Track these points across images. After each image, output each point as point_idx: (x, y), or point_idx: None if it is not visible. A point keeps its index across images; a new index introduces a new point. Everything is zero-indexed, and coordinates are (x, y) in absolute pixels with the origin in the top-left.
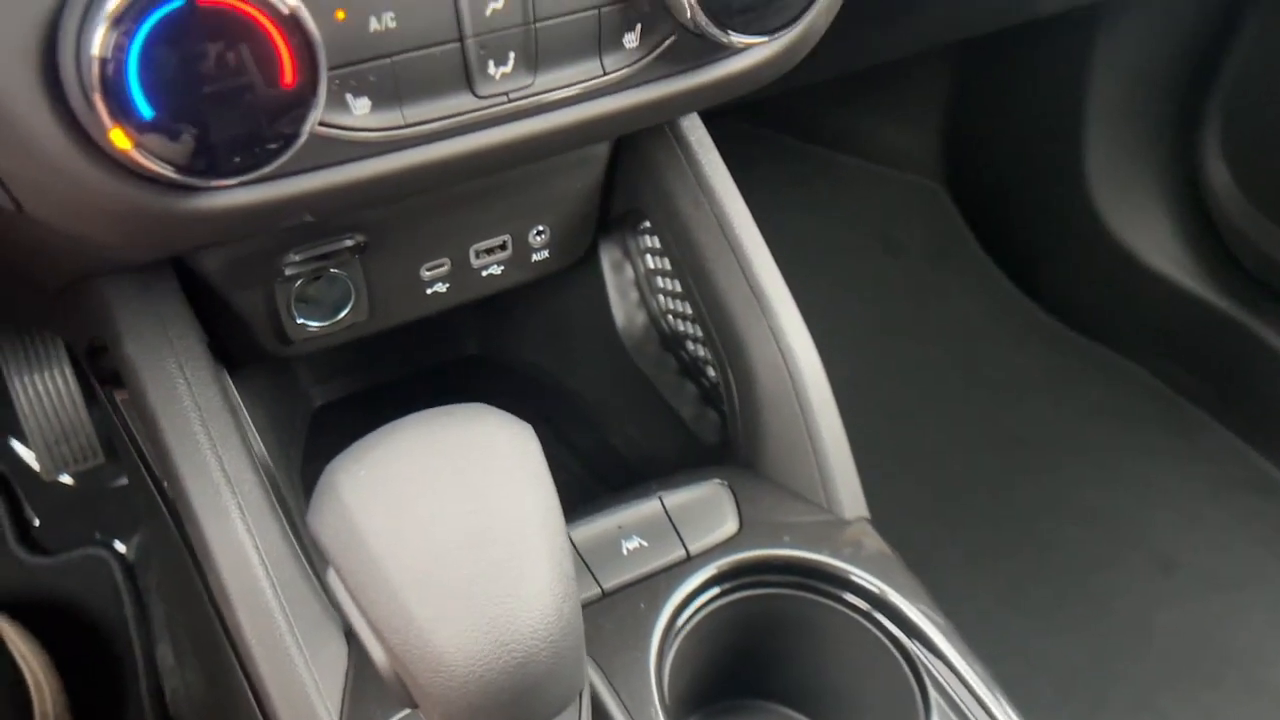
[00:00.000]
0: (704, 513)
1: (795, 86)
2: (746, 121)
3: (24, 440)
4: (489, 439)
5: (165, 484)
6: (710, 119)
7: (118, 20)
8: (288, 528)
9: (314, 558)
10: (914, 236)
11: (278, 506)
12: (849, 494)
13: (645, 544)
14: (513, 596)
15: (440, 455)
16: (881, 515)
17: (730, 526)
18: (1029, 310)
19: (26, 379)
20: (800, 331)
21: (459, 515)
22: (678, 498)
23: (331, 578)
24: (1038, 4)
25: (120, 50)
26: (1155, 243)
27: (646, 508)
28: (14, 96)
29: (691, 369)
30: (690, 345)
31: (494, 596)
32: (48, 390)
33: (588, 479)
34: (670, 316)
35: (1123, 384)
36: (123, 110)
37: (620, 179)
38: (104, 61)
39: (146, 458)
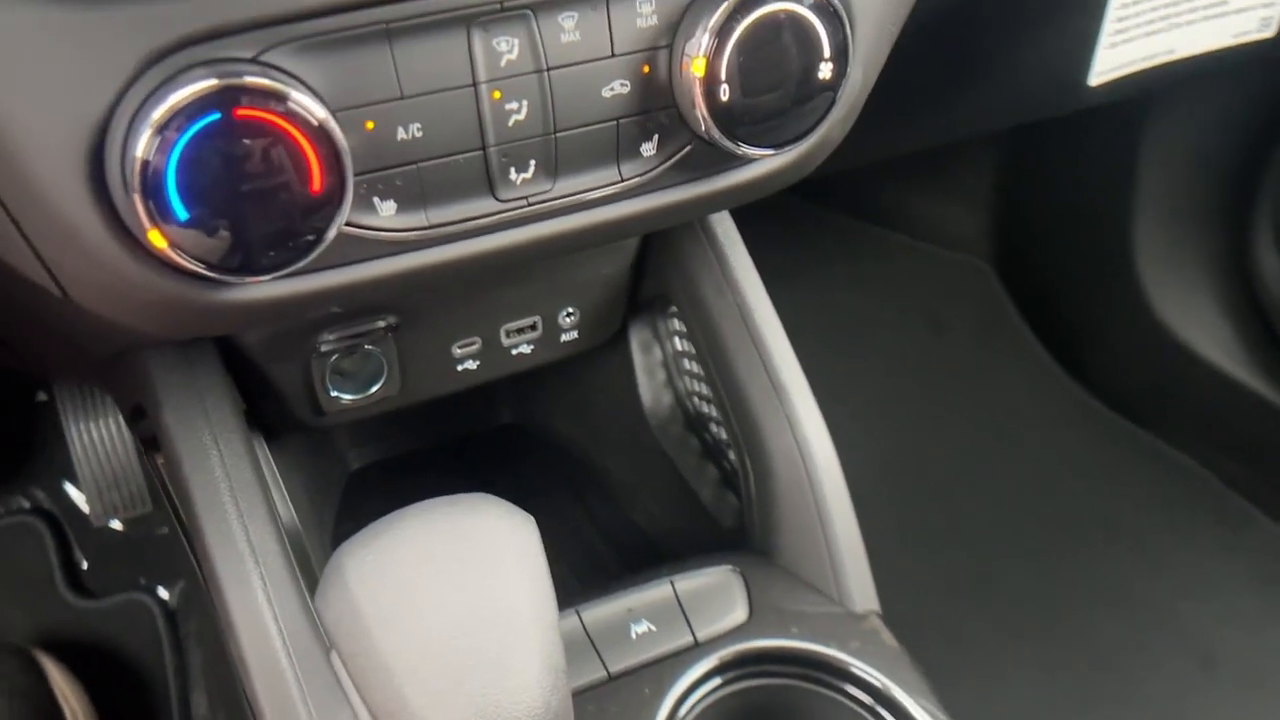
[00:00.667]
0: (714, 599)
1: (844, 169)
2: (795, 195)
3: (77, 484)
4: (490, 530)
5: (194, 549)
6: None
7: (161, 128)
8: (309, 599)
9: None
10: (961, 315)
11: (300, 579)
12: (860, 587)
13: (654, 629)
14: (502, 689)
15: (443, 545)
16: (916, 591)
17: (739, 614)
18: (1075, 393)
19: (82, 426)
20: (816, 423)
21: (457, 605)
22: (689, 583)
23: (335, 660)
24: (1084, 95)
25: (161, 155)
26: (1204, 330)
27: (657, 592)
28: (63, 194)
29: (713, 451)
30: (713, 428)
31: (485, 687)
32: (101, 439)
33: (609, 554)
34: (695, 398)
35: (1168, 471)
36: (161, 212)
37: (650, 265)
38: (146, 164)
39: (181, 519)
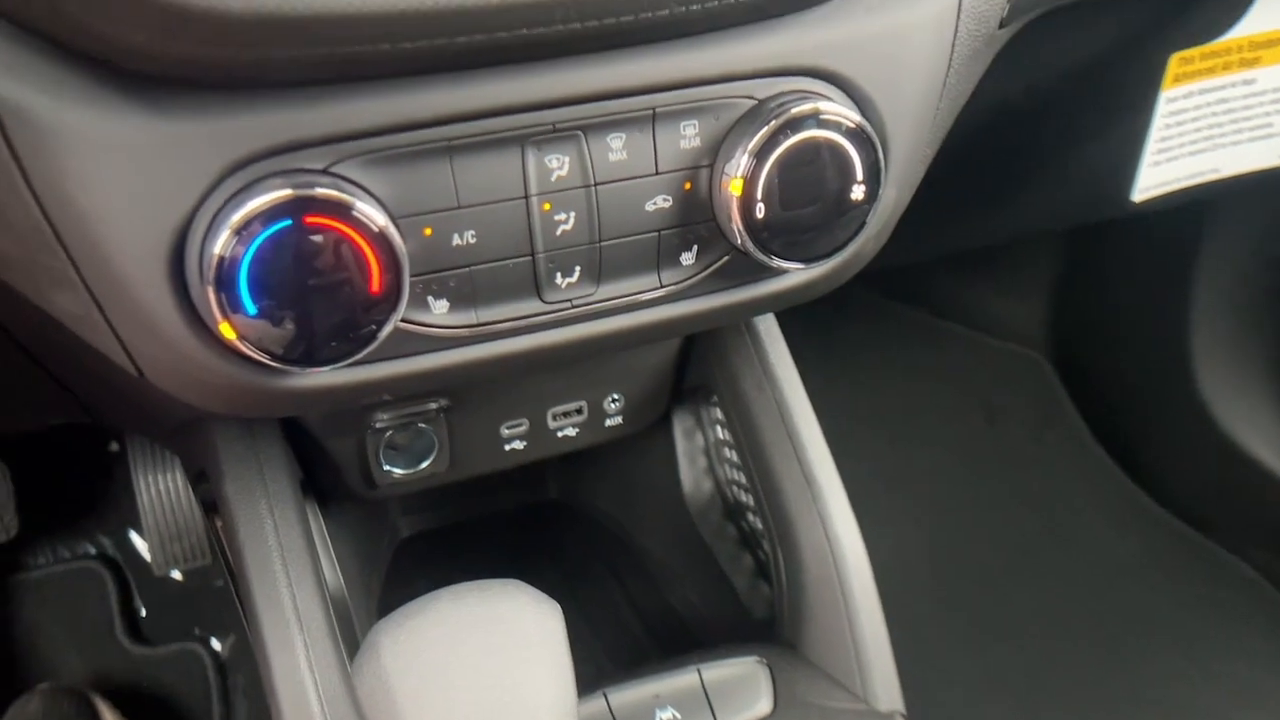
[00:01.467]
0: (739, 689)
1: (896, 264)
2: (852, 283)
3: (142, 534)
4: (518, 618)
5: (244, 610)
6: None
7: (239, 230)
8: (349, 668)
9: None
10: (1015, 407)
11: (341, 647)
12: (885, 686)
13: (678, 716)
14: None
15: (472, 629)
16: (956, 687)
17: (763, 706)
18: (1130, 491)
19: (150, 479)
20: (847, 520)
21: (481, 689)
22: (716, 672)
23: None
24: (1130, 206)
25: (236, 254)
26: (1262, 433)
27: (684, 679)
28: (146, 286)
29: (749, 540)
30: (749, 517)
31: None
32: (167, 492)
33: (642, 634)
34: (734, 487)
35: (1223, 577)
36: (232, 305)
37: (694, 355)
38: (221, 262)
39: (235, 579)
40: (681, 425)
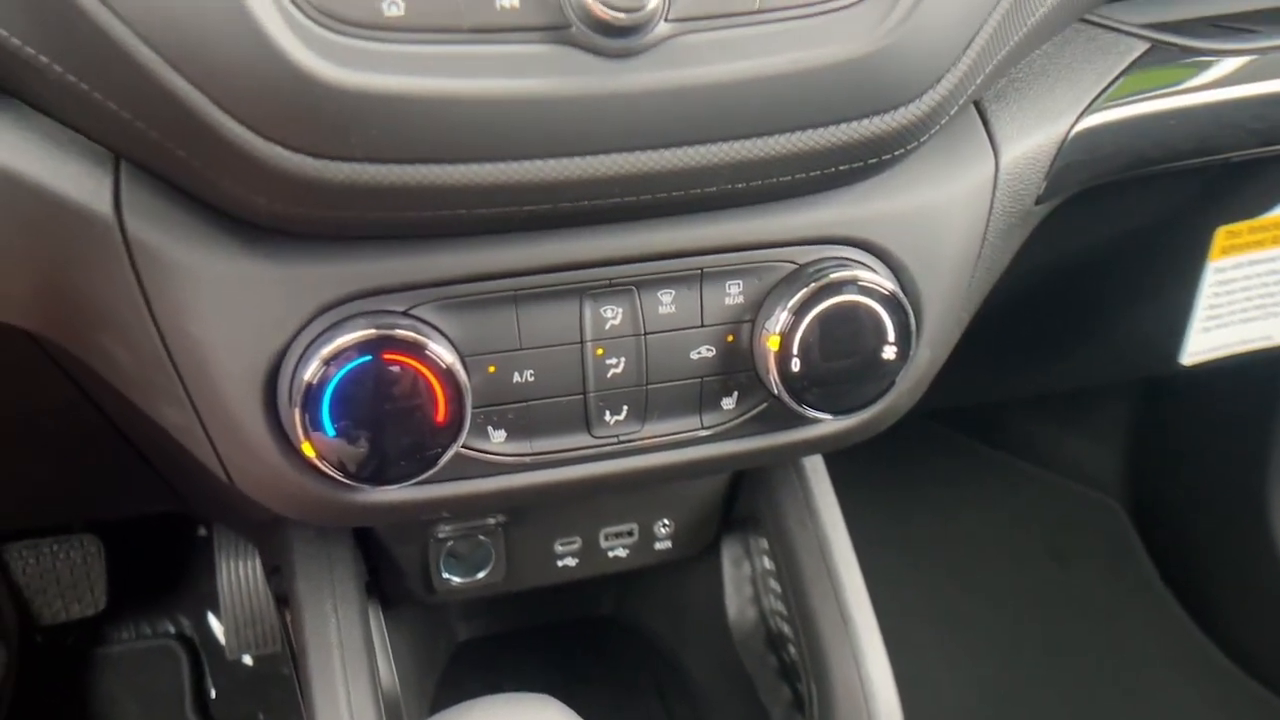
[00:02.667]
0: None
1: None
2: (929, 418)
3: (219, 617)
4: None
5: (304, 701)
6: None
7: (327, 361)
8: None
9: None
10: (1085, 552)
11: None
12: None
13: None
14: None
15: None
16: None
17: None
18: (1203, 647)
19: (232, 565)
20: (881, 661)
21: None
22: None
23: None
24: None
25: (322, 382)
26: None
27: None
28: (242, 406)
29: (789, 673)
30: (791, 649)
31: None
32: (246, 579)
33: None
34: (777, 618)
35: None
36: (315, 425)
37: (742, 487)
38: (309, 388)
39: (297, 671)
40: (730, 553)
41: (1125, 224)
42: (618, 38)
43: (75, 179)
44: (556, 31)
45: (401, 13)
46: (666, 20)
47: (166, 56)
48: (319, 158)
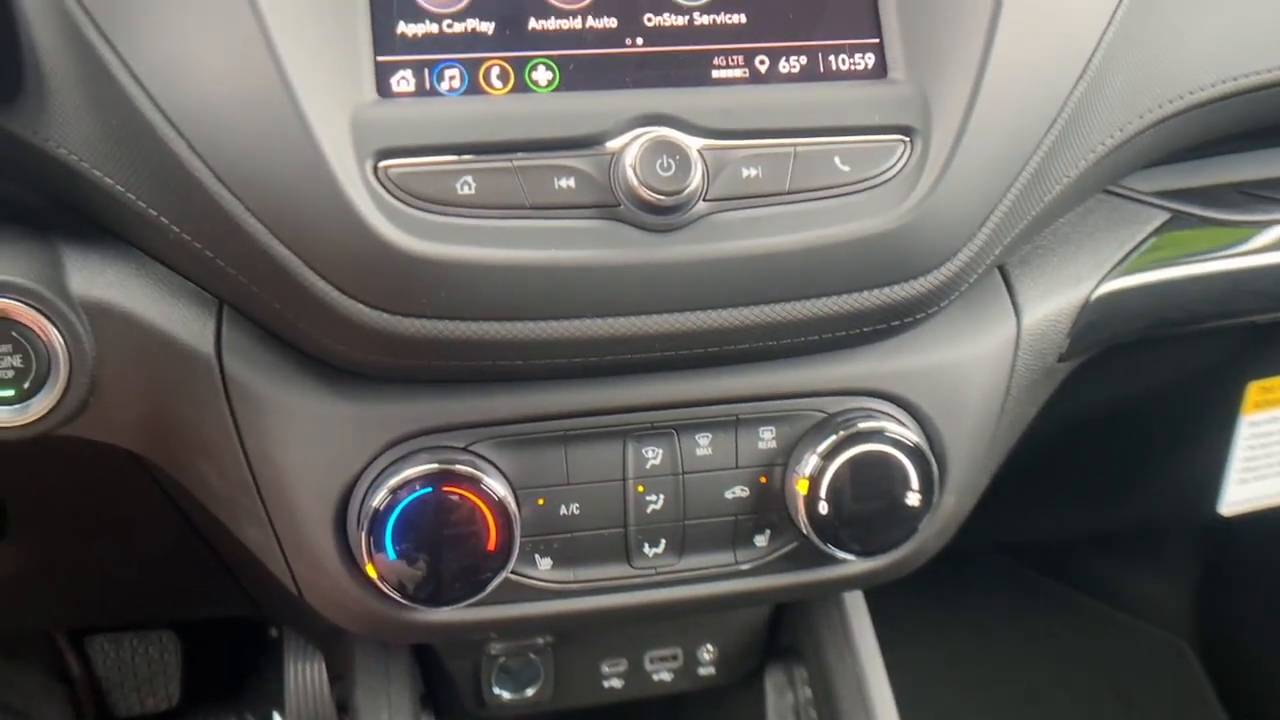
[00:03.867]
0: None
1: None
2: (994, 551)
3: (284, 716)
4: None
5: None
6: None
7: (393, 491)
8: None
9: None
10: (1152, 694)
11: None
12: None
13: None
14: None
15: None
16: None
17: None
18: None
19: (299, 667)
20: None
21: None
22: None
23: None
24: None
25: (387, 510)
26: None
27: None
28: (315, 529)
29: None
30: None
31: None
32: (311, 682)
33: None
34: None
35: None
36: (378, 548)
37: (785, 618)
38: (375, 514)
39: None
40: (773, 681)
41: (1154, 379)
42: (660, 215)
43: (184, 322)
44: (607, 209)
45: (472, 192)
46: (705, 200)
47: (271, 227)
48: (394, 314)
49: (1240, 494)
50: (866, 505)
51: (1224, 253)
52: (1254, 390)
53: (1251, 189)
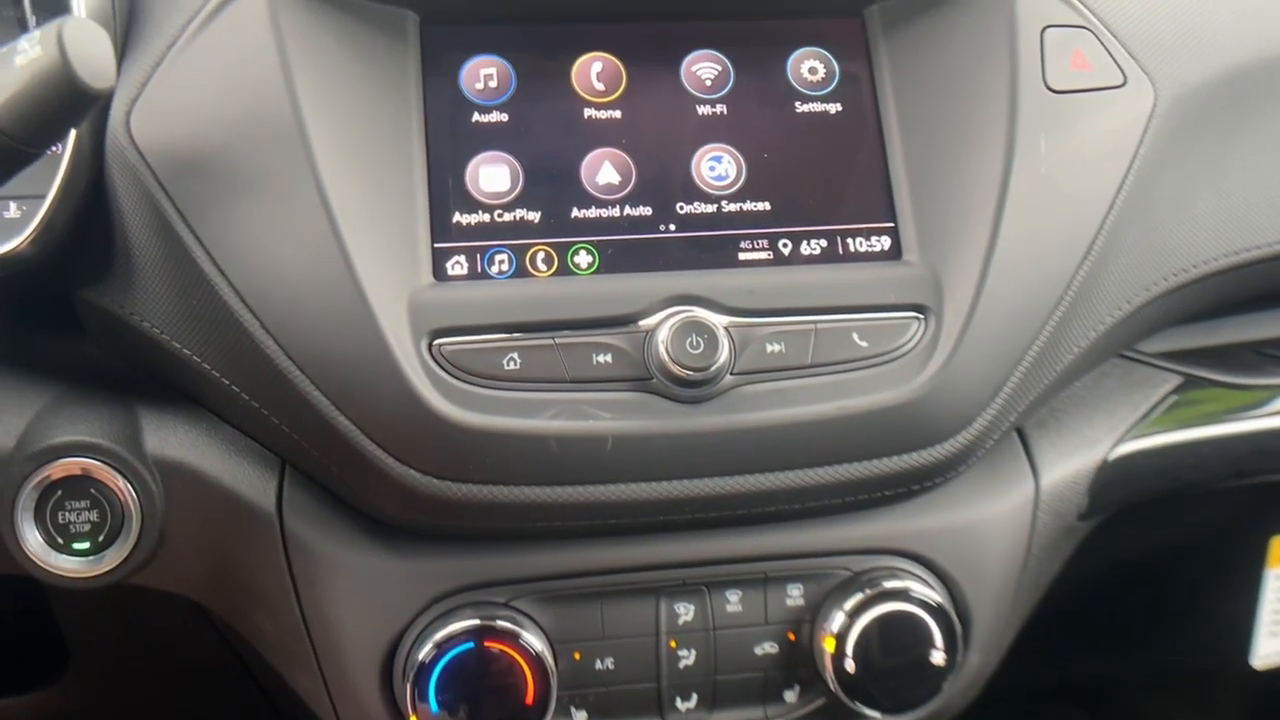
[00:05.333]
0: None
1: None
2: (1047, 694)
3: None
4: None
5: None
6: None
7: (438, 645)
8: None
9: None
10: None
11: None
12: None
13: None
14: None
15: None
16: None
17: None
18: None
19: None
20: None
21: None
22: None
23: None
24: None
25: (430, 663)
26: None
27: None
28: (362, 678)
29: None
30: None
31: None
32: None
33: None
34: None
35: None
36: (421, 698)
37: None
38: (420, 666)
39: None
40: None
41: (1176, 534)
42: (691, 388)
43: (248, 480)
44: (641, 382)
45: (518, 367)
46: (732, 373)
47: (333, 399)
48: (444, 480)
49: (1271, 647)
50: (892, 663)
51: (1238, 416)
52: (1278, 545)
53: (1266, 349)
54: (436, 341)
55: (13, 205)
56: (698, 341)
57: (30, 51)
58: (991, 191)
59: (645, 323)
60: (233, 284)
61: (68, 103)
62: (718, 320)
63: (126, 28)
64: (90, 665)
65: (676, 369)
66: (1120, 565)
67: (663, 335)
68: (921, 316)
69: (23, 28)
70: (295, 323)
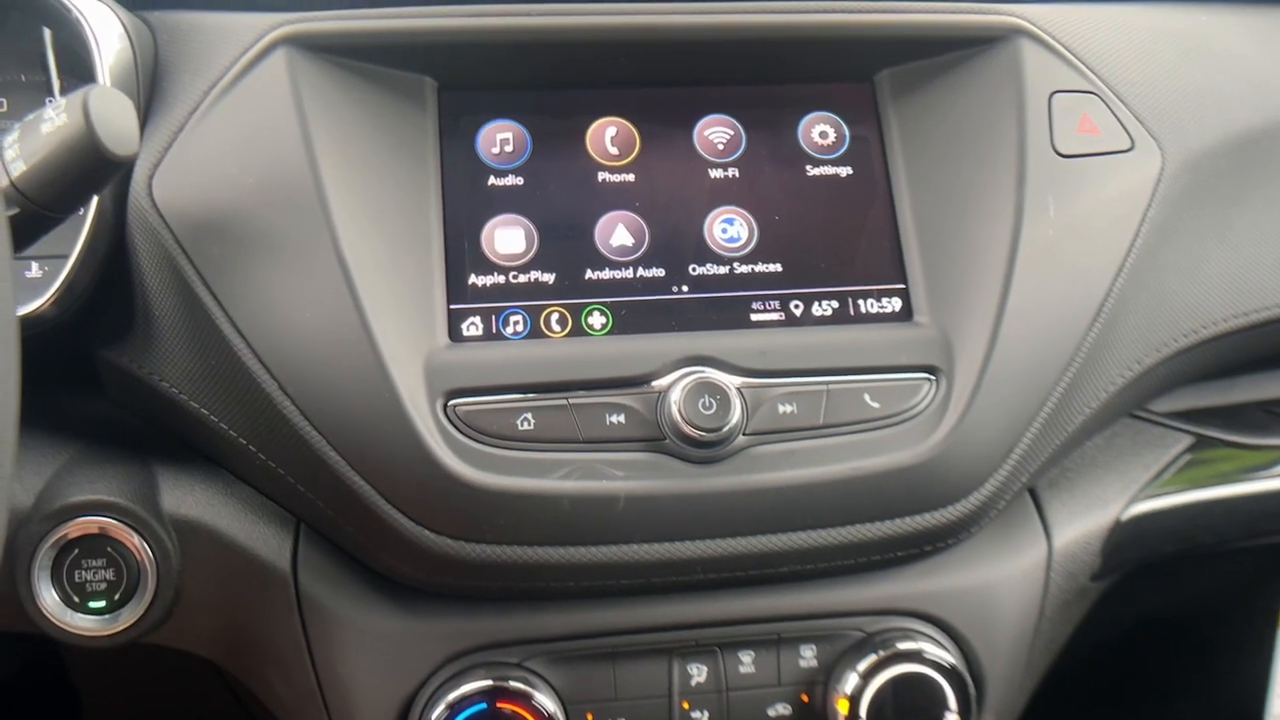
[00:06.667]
0: None
1: None
2: None
3: None
4: None
5: None
6: None
7: (450, 706)
8: None
9: None
10: None
11: None
12: None
13: None
14: None
15: None
16: None
17: None
18: None
19: None
20: None
21: None
22: None
23: None
24: None
25: None
26: None
27: None
28: None
29: None
30: None
31: None
32: None
33: None
34: None
35: None
36: None
37: None
38: None
39: None
40: None
41: (1188, 596)
42: (703, 449)
43: (264, 539)
44: (654, 443)
45: (531, 427)
46: (744, 434)
47: (349, 460)
48: (457, 539)
49: None
50: None
51: (1250, 476)
52: None
53: (1277, 409)
54: (452, 402)
55: (35, 265)
56: (710, 402)
57: (56, 119)
58: (1001, 254)
59: (658, 383)
60: (250, 345)
61: (92, 170)
62: (730, 381)
63: (150, 94)
64: None
65: (689, 429)
66: (1132, 626)
67: (675, 396)
68: (933, 378)
69: (49, 94)
70: (312, 383)
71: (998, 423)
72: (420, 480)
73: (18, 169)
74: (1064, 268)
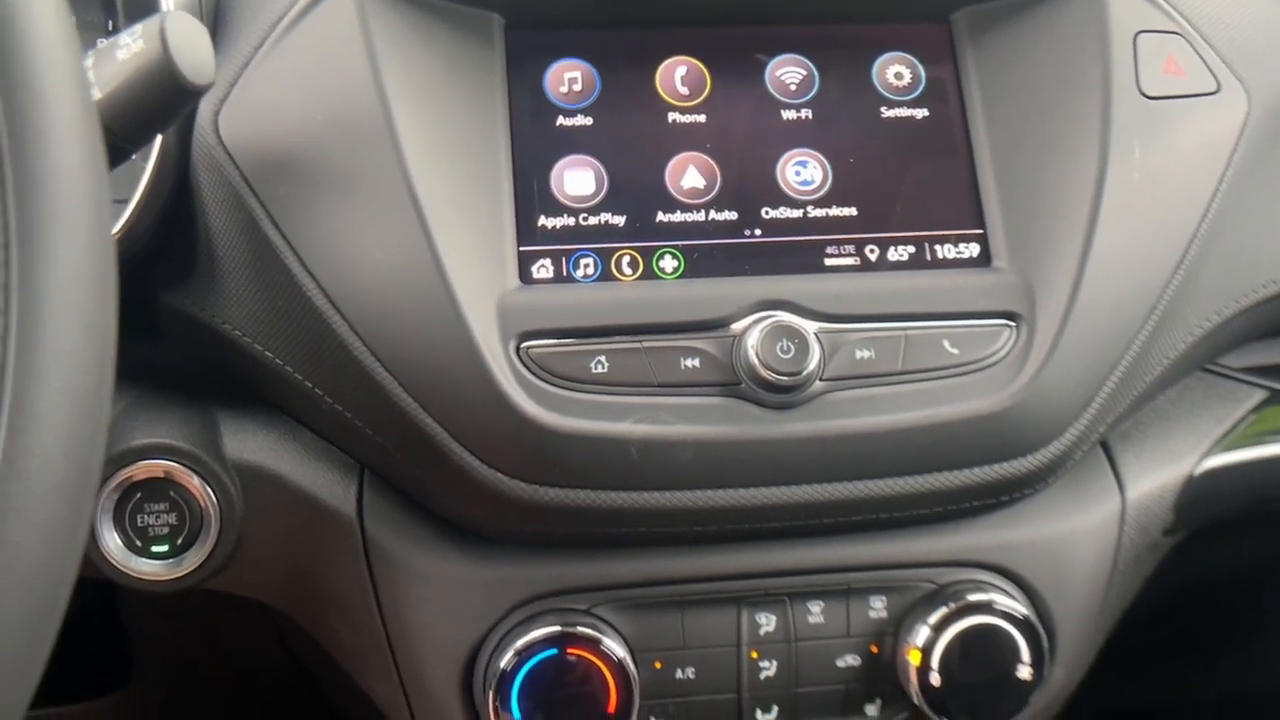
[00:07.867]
0: None
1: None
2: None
3: None
4: None
5: None
6: None
7: (520, 652)
8: None
9: None
10: None
11: None
12: None
13: None
14: None
15: None
16: None
17: None
18: None
19: None
20: None
21: None
22: None
23: None
24: None
25: (512, 670)
26: None
27: None
28: (443, 687)
29: None
30: None
31: None
32: None
33: None
34: None
35: None
36: (504, 707)
37: None
38: (502, 674)
39: None
40: None
41: (1261, 552)
42: (780, 394)
43: (328, 485)
44: (729, 387)
45: (605, 370)
46: (821, 380)
47: (421, 401)
48: (530, 483)
49: None
50: (978, 678)
51: None
52: None
53: None
54: (525, 344)
55: None
56: (788, 346)
57: (132, 45)
58: (1085, 197)
59: (735, 327)
60: (320, 284)
61: (168, 98)
62: (808, 325)
63: (213, 29)
64: (153, 676)
65: (767, 374)
66: (1203, 583)
67: (753, 339)
68: (1013, 324)
69: (102, 34)
70: (383, 324)
71: (1079, 371)
72: (492, 422)
73: (93, 96)
74: (1149, 213)
